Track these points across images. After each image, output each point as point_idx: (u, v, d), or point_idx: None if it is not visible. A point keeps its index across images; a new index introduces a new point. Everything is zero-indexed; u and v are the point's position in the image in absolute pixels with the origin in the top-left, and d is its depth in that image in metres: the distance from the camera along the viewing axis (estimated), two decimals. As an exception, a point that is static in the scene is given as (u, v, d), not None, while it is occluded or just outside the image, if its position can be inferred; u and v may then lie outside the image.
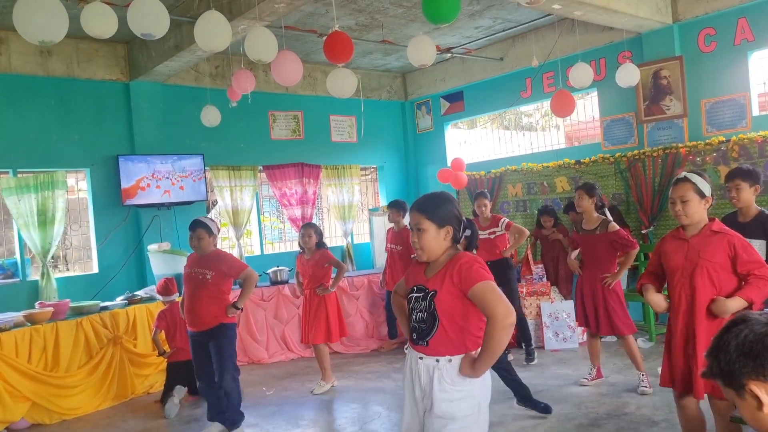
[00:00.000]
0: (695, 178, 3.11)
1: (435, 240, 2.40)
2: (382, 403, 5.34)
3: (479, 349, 2.37)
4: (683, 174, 3.16)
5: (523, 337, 6.33)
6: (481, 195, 6.52)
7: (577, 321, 5.49)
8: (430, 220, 2.39)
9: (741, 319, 1.39)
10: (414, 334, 2.46)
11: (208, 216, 8.57)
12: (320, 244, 5.85)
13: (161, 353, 5.69)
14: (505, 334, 2.26)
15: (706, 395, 3.12)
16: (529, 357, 6.25)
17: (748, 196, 3.81)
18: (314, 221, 8.86)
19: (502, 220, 6.39)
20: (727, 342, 1.36)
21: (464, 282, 2.32)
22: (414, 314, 2.45)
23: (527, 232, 6.34)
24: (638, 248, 5.13)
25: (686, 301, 3.12)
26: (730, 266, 3.04)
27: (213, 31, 4.06)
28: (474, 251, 2.67)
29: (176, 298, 5.80)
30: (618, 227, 5.15)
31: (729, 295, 3.01)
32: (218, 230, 4.83)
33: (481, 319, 2.36)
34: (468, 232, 2.52)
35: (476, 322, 2.38)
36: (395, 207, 6.98)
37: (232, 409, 4.64)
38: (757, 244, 3.66)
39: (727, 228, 3.14)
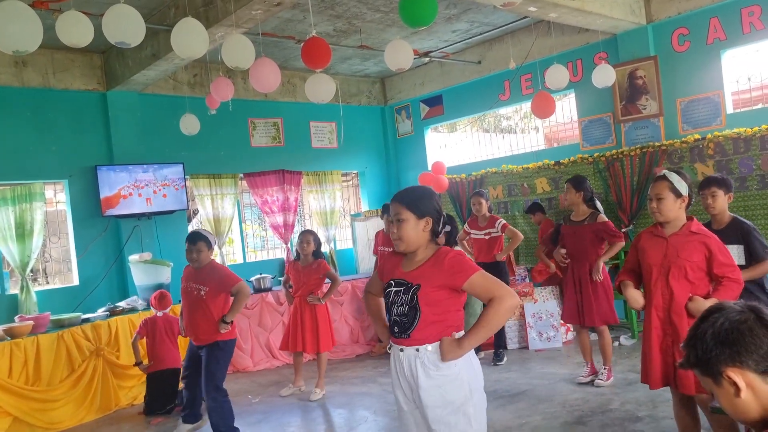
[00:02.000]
0: (673, 177, 3.16)
1: (414, 230, 2.44)
2: (369, 407, 5.33)
3: (459, 332, 2.43)
4: (663, 172, 3.22)
5: (497, 339, 6.36)
6: (477, 194, 6.52)
7: (563, 319, 5.53)
8: (409, 211, 2.45)
9: (717, 308, 1.42)
10: (396, 327, 2.49)
11: (193, 225, 8.57)
12: (317, 254, 5.83)
13: (137, 363, 5.62)
14: (508, 314, 2.34)
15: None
16: (497, 358, 6.29)
17: (722, 203, 3.91)
18: (297, 228, 8.84)
19: (498, 221, 6.39)
20: (703, 331, 1.39)
21: (457, 276, 2.36)
22: (394, 308, 2.48)
23: (521, 237, 6.33)
24: (624, 241, 5.21)
25: (662, 299, 3.16)
26: (705, 267, 3.09)
27: (190, 39, 4.04)
28: (454, 248, 2.72)
29: (168, 312, 5.77)
30: (606, 219, 5.25)
31: (704, 297, 3.06)
32: (215, 242, 4.81)
33: (458, 310, 2.44)
34: (448, 228, 2.59)
35: (454, 313, 2.44)
36: (387, 211, 7.07)
37: (223, 426, 4.57)
38: (735, 250, 3.73)
39: (705, 229, 3.19)
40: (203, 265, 4.59)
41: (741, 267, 3.41)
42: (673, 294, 3.12)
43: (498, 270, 6.35)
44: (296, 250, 5.91)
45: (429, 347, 2.40)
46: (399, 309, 2.46)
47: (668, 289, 3.13)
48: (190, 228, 8.64)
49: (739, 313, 1.37)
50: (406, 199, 2.48)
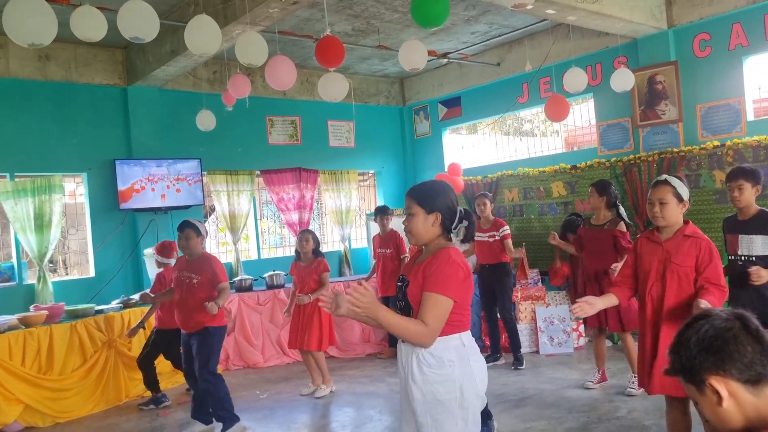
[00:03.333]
0: (675, 182, 3.13)
1: (423, 225, 2.45)
2: (375, 406, 5.34)
3: (464, 333, 2.40)
4: (663, 176, 3.18)
5: (512, 344, 6.29)
6: (482, 195, 6.54)
7: (588, 323, 5.47)
8: (419, 205, 2.46)
9: (702, 315, 1.39)
10: None
11: (205, 221, 8.66)
12: (317, 252, 5.84)
13: (140, 326, 5.69)
14: (410, 339, 2.31)
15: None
16: (518, 362, 6.22)
17: (749, 195, 3.81)
18: (312, 226, 8.88)
19: (503, 228, 6.35)
20: (687, 338, 1.37)
21: (427, 282, 2.35)
22: (397, 303, 2.52)
23: (514, 256, 6.41)
24: None
25: (656, 304, 3.15)
26: (696, 269, 3.07)
27: (203, 36, 4.09)
28: (471, 241, 2.70)
29: (173, 262, 5.73)
30: (626, 229, 5.22)
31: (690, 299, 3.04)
32: (206, 233, 4.86)
33: (456, 312, 2.36)
34: (465, 223, 2.58)
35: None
36: (380, 212, 7.21)
37: (219, 409, 4.64)
38: (760, 240, 3.68)
39: (699, 232, 3.17)
40: (195, 255, 4.67)
41: (765, 257, 3.42)
42: (665, 298, 3.11)
43: (503, 272, 6.34)
44: (296, 250, 5.93)
45: None
46: (399, 304, 2.50)
47: (662, 294, 3.13)
48: (207, 224, 8.73)
49: (725, 321, 1.34)
50: (416, 194, 2.50)
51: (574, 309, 3.10)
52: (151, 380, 5.69)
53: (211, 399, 4.62)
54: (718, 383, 1.30)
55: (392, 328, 2.29)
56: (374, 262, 7.56)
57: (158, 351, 5.70)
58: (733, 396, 1.30)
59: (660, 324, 3.11)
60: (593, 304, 3.14)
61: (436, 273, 2.34)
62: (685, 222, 3.17)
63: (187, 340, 4.74)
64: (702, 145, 6.57)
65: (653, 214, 3.14)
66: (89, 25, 3.67)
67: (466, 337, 2.43)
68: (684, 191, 3.12)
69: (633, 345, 5.09)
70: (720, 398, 1.30)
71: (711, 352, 1.31)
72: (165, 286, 5.56)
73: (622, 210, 5.36)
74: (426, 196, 2.48)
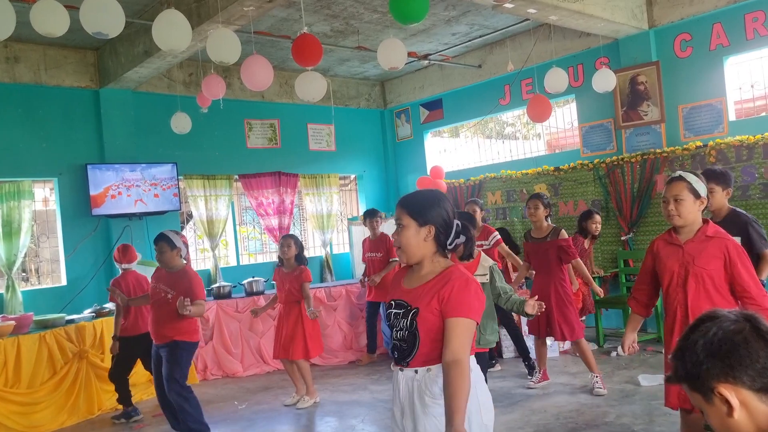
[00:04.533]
0: (690, 177, 2.94)
1: (414, 238, 2.19)
2: (358, 416, 5.18)
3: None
4: (678, 172, 2.98)
5: (521, 351, 6.03)
6: (472, 202, 6.40)
7: (529, 329, 5.49)
8: (410, 217, 2.19)
9: (709, 317, 1.27)
10: (395, 352, 2.26)
11: (182, 227, 8.45)
12: (300, 258, 5.65)
13: (114, 336, 5.46)
14: (462, 377, 2.02)
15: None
16: (531, 369, 5.72)
17: (720, 198, 3.77)
18: (292, 231, 8.71)
19: (492, 234, 6.15)
20: (693, 341, 1.24)
21: (449, 309, 2.11)
22: (394, 332, 2.24)
23: (520, 262, 5.92)
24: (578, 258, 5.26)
25: (681, 313, 2.95)
26: (725, 275, 2.86)
27: (172, 31, 3.92)
28: (470, 260, 2.51)
29: (133, 267, 5.60)
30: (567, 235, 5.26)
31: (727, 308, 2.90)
32: (185, 244, 4.67)
33: None
34: (463, 239, 2.28)
35: None
36: (370, 215, 7.04)
37: (192, 422, 4.48)
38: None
39: (723, 232, 2.95)
40: (174, 268, 4.51)
41: None
42: (690, 306, 2.90)
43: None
44: (278, 256, 5.76)
45: (428, 370, 2.16)
46: (399, 333, 2.22)
47: (685, 301, 2.92)
48: (184, 231, 8.53)
49: (734, 323, 1.22)
50: (408, 204, 2.23)
51: (626, 346, 3.14)
52: (122, 393, 5.50)
53: (181, 412, 4.45)
54: (727, 391, 1.18)
55: (466, 398, 2.01)
56: (364, 266, 7.41)
57: (128, 362, 5.50)
58: (744, 406, 1.17)
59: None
60: (632, 338, 3.14)
61: (458, 296, 2.10)
62: (705, 221, 2.98)
63: (157, 351, 4.60)
64: (685, 146, 6.54)
65: (668, 212, 2.93)
66: (51, 20, 3.49)
67: (473, 362, 2.19)
68: (701, 187, 2.92)
69: (587, 347, 5.20)
70: (730, 408, 1.18)
71: (719, 357, 1.19)
72: (124, 291, 5.40)
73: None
74: (418, 206, 2.20)
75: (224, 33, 4.31)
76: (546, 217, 5.25)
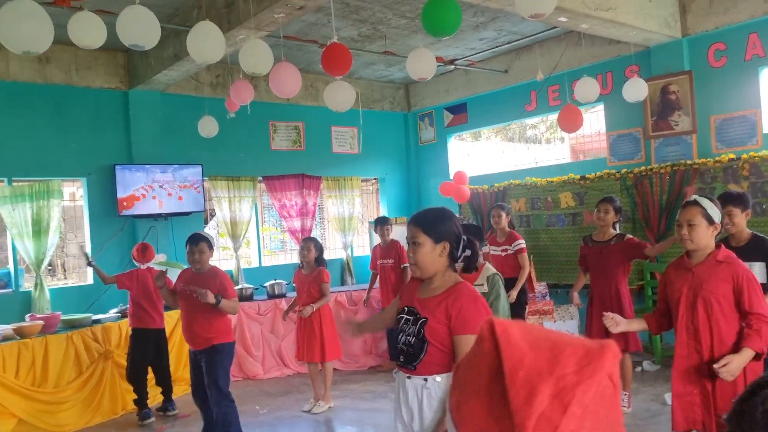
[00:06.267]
0: (705, 203, 2.97)
1: (430, 255, 2.32)
2: (378, 425, 5.18)
3: None
4: (693, 197, 3.03)
5: None
6: (498, 206, 6.41)
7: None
8: (426, 234, 2.32)
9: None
10: (401, 356, 2.38)
11: (205, 226, 8.51)
12: (320, 261, 5.71)
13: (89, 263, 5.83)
14: None
15: None
16: None
17: (740, 221, 3.76)
18: (314, 233, 8.73)
19: (517, 242, 6.20)
20: (753, 407, 1.20)
21: (458, 325, 2.23)
22: (402, 336, 2.38)
23: (526, 272, 6.17)
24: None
25: (688, 335, 2.96)
26: (733, 299, 2.88)
27: (206, 43, 3.93)
28: (473, 272, 2.58)
29: (151, 264, 5.77)
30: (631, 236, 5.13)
31: (731, 334, 2.87)
32: (216, 245, 4.73)
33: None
34: (468, 252, 2.41)
35: None
36: (380, 223, 7.09)
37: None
38: (758, 267, 3.57)
39: (734, 257, 2.97)
40: (205, 269, 4.49)
41: (763, 285, 3.20)
42: (699, 330, 2.91)
43: (514, 287, 6.17)
44: (299, 259, 5.81)
45: (438, 378, 2.27)
46: (406, 338, 2.36)
47: (693, 325, 2.93)
48: (207, 230, 8.59)
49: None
50: (422, 221, 2.35)
51: (606, 320, 3.05)
52: (140, 395, 5.57)
53: (218, 423, 4.44)
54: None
55: None
56: (372, 273, 7.42)
57: (141, 360, 5.56)
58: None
59: (692, 358, 2.93)
60: (618, 324, 3.05)
61: (467, 312, 2.23)
62: (718, 246, 3.01)
63: (194, 357, 4.54)
64: (716, 158, 6.41)
65: (681, 236, 2.97)
66: (88, 32, 3.51)
67: None
68: (715, 213, 2.96)
69: (630, 366, 5.05)
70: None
71: None
72: (133, 284, 5.64)
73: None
74: (433, 224, 2.33)
75: (257, 44, 4.31)
76: (615, 223, 5.14)
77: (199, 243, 4.47)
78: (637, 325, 3.28)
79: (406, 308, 2.41)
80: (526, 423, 0.64)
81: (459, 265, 2.45)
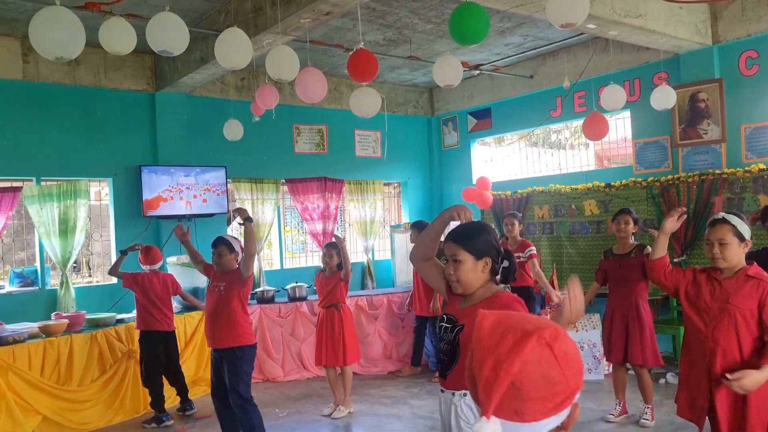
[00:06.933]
0: (735, 220, 2.94)
1: (472, 272, 2.29)
2: (398, 431, 5.16)
3: None
4: (721, 215, 2.99)
5: None
6: (511, 215, 6.43)
7: (612, 357, 5.19)
8: (467, 251, 2.29)
9: None
10: (440, 365, 2.41)
11: (232, 228, 8.56)
12: (341, 265, 5.73)
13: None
14: None
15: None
16: None
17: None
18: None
19: (529, 248, 6.22)
20: None
21: None
22: (441, 344, 2.38)
23: (543, 275, 6.28)
24: None
25: (706, 344, 2.96)
26: (758, 314, 2.86)
27: (233, 49, 3.96)
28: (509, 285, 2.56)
29: (157, 268, 5.81)
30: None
31: (752, 347, 2.85)
32: (241, 248, 4.72)
33: None
34: (506, 263, 2.39)
35: None
36: (417, 227, 6.88)
37: None
38: None
39: (764, 274, 2.95)
40: (228, 270, 4.54)
41: None
42: (719, 343, 2.91)
43: (526, 297, 6.13)
44: (322, 264, 5.84)
45: (463, 395, 2.25)
46: (444, 346, 2.35)
47: (713, 336, 2.93)
48: (229, 231, 8.64)
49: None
50: (462, 238, 2.31)
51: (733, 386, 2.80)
52: (155, 398, 5.60)
53: (241, 426, 4.45)
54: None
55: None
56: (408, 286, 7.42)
57: (153, 362, 5.61)
58: None
59: (713, 370, 2.92)
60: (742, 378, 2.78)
61: None
62: (749, 262, 2.98)
63: (215, 356, 4.55)
64: (746, 168, 6.28)
65: (712, 255, 2.94)
66: (118, 39, 3.57)
67: None
68: (745, 230, 2.93)
69: (649, 380, 4.99)
70: None
71: None
72: (134, 286, 5.68)
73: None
74: (473, 240, 2.30)
75: (283, 51, 4.33)
76: (633, 234, 5.08)
77: (218, 246, 4.54)
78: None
79: (445, 316, 2.40)
80: (478, 384, 1.04)
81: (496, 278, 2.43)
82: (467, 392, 2.20)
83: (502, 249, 2.37)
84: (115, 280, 7.28)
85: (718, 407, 2.89)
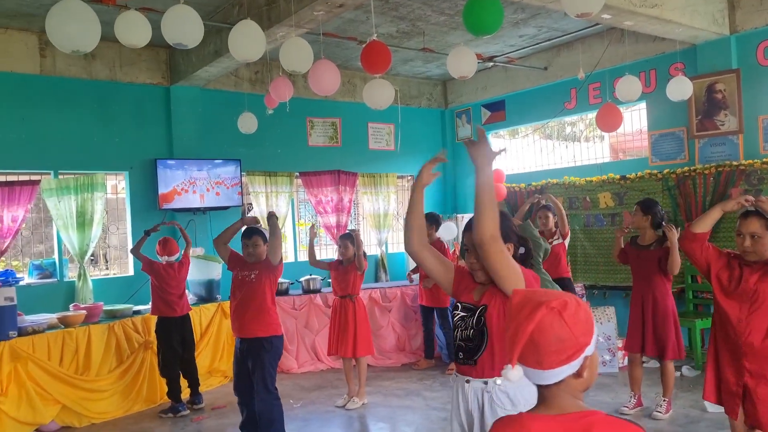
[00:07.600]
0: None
1: None
2: (411, 423, 5.18)
3: None
4: (750, 207, 3.00)
5: None
6: (545, 208, 6.50)
7: (627, 346, 5.17)
8: None
9: None
10: (460, 353, 2.31)
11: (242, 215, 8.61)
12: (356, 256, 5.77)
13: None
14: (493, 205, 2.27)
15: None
16: None
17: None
18: (350, 229, 8.75)
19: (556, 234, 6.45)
20: None
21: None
22: (458, 332, 2.32)
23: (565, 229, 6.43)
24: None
25: (738, 330, 3.00)
26: None
27: (247, 42, 3.98)
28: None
29: (173, 259, 5.83)
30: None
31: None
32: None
33: None
34: (522, 250, 2.40)
35: None
36: (428, 220, 6.86)
37: (273, 430, 4.47)
38: None
39: None
40: (256, 260, 4.55)
41: None
42: (752, 330, 2.94)
43: (564, 286, 6.12)
44: (339, 256, 5.88)
45: (499, 381, 2.20)
46: (463, 333, 2.29)
47: (746, 323, 2.97)
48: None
49: None
50: None
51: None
52: (172, 388, 5.66)
53: (262, 420, 4.48)
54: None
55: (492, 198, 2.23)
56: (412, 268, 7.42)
57: (169, 351, 5.65)
58: None
59: (740, 353, 2.94)
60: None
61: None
62: None
63: (240, 346, 4.55)
64: (764, 159, 6.21)
65: (744, 248, 2.96)
66: (134, 31, 3.60)
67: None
68: None
69: (672, 372, 4.94)
70: None
71: None
72: (150, 272, 5.70)
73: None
74: None
75: (297, 42, 4.34)
76: (656, 227, 5.01)
77: (252, 236, 4.54)
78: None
79: (460, 305, 2.36)
80: (507, 342, 1.41)
81: None
82: (499, 380, 2.18)
83: (519, 236, 2.39)
84: (131, 272, 7.40)
85: (755, 393, 2.91)
